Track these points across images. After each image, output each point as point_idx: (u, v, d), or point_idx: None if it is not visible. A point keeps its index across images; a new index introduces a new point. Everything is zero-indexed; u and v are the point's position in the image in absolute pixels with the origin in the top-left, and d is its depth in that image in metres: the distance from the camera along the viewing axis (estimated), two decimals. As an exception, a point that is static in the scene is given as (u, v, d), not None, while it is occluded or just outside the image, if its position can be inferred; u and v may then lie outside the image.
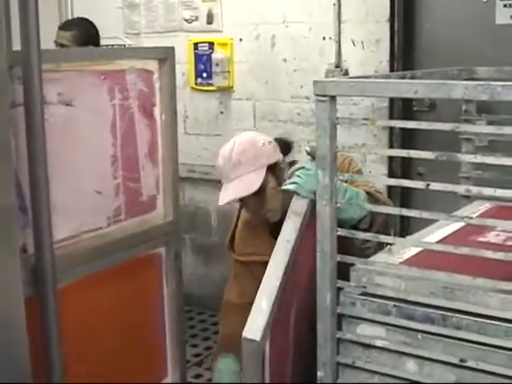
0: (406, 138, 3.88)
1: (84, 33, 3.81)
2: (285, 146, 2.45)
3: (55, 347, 1.88)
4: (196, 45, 4.48)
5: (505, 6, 3.58)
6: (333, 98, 1.63)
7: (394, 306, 1.63)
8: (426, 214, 1.58)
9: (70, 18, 4.63)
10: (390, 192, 3.86)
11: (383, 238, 1.69)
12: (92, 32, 3.89)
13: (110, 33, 4.55)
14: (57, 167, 1.89)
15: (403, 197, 3.93)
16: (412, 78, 1.98)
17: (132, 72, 2.17)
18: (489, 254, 1.52)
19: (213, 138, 4.50)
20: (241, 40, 4.31)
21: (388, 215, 2.08)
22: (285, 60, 4.15)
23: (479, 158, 1.60)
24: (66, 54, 2.20)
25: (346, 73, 3.93)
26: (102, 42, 4.05)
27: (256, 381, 1.73)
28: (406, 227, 3.87)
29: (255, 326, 1.66)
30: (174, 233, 2.38)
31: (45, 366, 1.88)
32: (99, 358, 2.11)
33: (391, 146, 3.82)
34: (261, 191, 2.24)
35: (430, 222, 1.94)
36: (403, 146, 3.76)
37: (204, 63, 4.47)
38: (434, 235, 1.95)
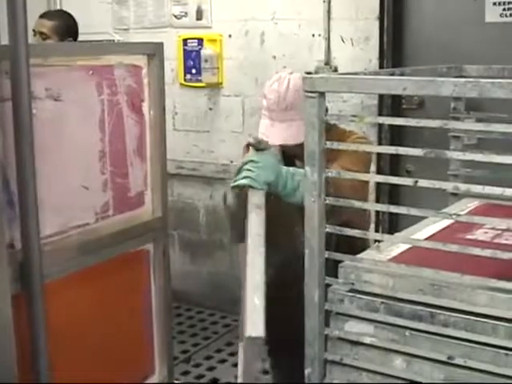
0: (395, 136, 3.90)
1: (65, 24, 3.80)
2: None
3: (42, 344, 1.87)
4: (185, 41, 4.48)
5: (494, 4, 3.60)
6: (322, 94, 1.62)
7: (382, 303, 1.63)
8: (414, 211, 1.58)
9: (57, 11, 4.61)
10: (378, 190, 3.87)
11: (372, 235, 1.69)
12: (72, 25, 3.86)
13: (99, 28, 4.54)
14: (44, 162, 1.88)
15: (392, 195, 3.95)
16: (401, 75, 1.98)
17: (120, 67, 2.16)
18: (477, 251, 1.53)
19: (201, 135, 4.50)
20: (230, 36, 4.31)
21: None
22: (274, 57, 4.15)
23: (467, 155, 1.60)
24: (54, 49, 2.19)
25: (336, 70, 3.94)
26: (91, 37, 4.05)
27: (259, 376, 1.74)
28: (394, 225, 3.88)
29: (256, 324, 1.66)
30: (162, 229, 2.37)
31: (31, 362, 1.87)
32: (87, 355, 2.10)
33: (380, 144, 3.83)
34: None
35: (418, 219, 1.94)
36: (392, 144, 3.77)
37: (193, 59, 4.46)
38: (423, 232, 1.95)
